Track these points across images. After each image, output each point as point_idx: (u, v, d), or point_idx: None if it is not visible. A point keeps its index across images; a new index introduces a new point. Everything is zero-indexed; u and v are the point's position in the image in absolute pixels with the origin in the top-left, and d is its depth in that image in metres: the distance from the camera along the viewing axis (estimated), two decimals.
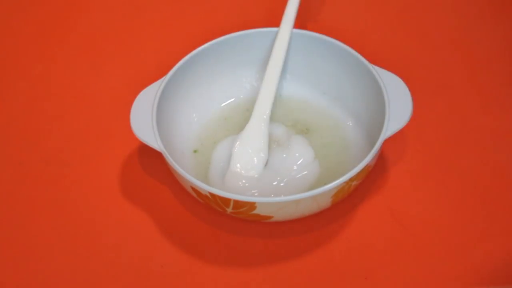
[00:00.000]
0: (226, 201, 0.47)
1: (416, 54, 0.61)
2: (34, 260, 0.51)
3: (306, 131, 0.55)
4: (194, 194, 0.49)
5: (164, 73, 0.53)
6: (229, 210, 0.48)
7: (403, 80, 0.52)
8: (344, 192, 0.49)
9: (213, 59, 0.56)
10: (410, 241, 0.49)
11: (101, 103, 0.60)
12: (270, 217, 0.48)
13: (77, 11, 0.67)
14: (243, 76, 0.58)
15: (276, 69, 0.54)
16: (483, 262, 0.48)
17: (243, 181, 0.51)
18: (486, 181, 0.52)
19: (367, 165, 0.48)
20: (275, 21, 0.56)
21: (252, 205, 0.47)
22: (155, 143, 0.49)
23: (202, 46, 0.55)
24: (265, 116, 0.53)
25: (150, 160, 0.55)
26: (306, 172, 0.52)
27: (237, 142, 0.53)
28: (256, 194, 0.51)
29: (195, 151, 0.55)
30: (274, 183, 0.51)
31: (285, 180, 0.52)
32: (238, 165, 0.52)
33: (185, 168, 0.49)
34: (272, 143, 0.53)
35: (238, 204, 0.47)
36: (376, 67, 0.53)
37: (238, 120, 0.56)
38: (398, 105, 0.50)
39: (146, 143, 0.49)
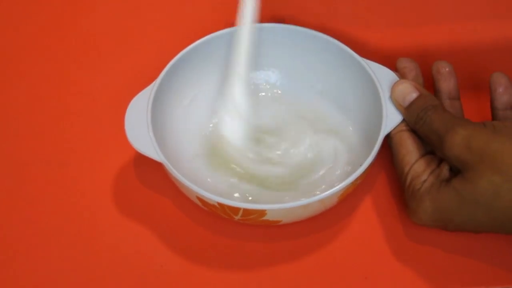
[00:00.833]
0: (235, 210, 0.47)
1: (412, 48, 0.61)
2: (33, 260, 0.50)
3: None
4: (199, 203, 0.49)
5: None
6: (237, 217, 0.48)
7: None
8: (349, 191, 0.49)
9: (202, 59, 0.55)
10: (410, 241, 0.50)
11: (102, 103, 0.58)
12: (278, 221, 0.48)
13: (77, 11, 0.65)
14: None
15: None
16: (483, 262, 0.49)
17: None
18: None
19: (372, 162, 0.48)
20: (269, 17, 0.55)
21: (262, 212, 0.47)
22: (156, 155, 0.48)
23: (188, 47, 0.54)
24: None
25: (151, 161, 0.53)
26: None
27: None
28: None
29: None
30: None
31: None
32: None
33: (184, 174, 0.48)
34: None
35: (247, 212, 0.47)
36: (369, 61, 0.53)
37: None
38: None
39: (147, 155, 0.48)
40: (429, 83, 0.53)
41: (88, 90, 0.60)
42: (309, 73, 0.56)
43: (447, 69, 0.52)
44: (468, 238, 0.49)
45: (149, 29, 0.64)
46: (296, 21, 0.55)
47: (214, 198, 0.46)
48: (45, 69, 0.61)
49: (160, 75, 0.52)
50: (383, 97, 0.51)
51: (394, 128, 0.50)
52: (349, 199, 0.51)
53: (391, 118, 0.50)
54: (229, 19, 0.54)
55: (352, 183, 0.47)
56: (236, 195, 0.52)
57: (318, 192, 0.50)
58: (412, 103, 0.49)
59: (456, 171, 0.46)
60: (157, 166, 0.49)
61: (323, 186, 0.51)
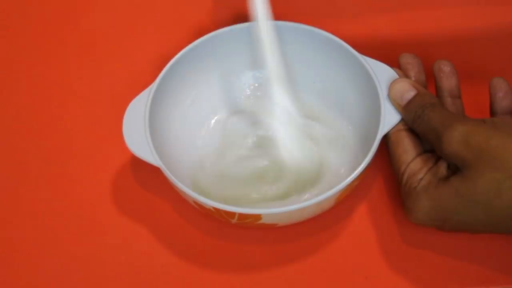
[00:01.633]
0: (230, 214, 0.47)
1: (409, 45, 0.60)
2: (33, 260, 0.51)
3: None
4: (197, 207, 0.49)
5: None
6: (234, 221, 0.48)
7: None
8: (348, 192, 0.49)
9: (199, 59, 0.55)
10: (410, 241, 0.50)
11: (101, 103, 0.59)
12: (275, 225, 0.48)
13: (77, 12, 0.66)
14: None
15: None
16: (483, 262, 0.48)
17: None
18: None
19: (369, 163, 0.48)
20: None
21: (257, 217, 0.47)
22: (153, 160, 0.48)
23: (185, 48, 0.54)
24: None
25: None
26: None
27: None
28: None
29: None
30: None
31: None
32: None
33: (182, 176, 0.48)
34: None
35: (243, 216, 0.47)
36: (367, 58, 0.52)
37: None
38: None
39: (144, 160, 0.49)
40: (429, 81, 0.52)
41: (88, 90, 0.60)
42: (306, 71, 0.56)
43: (448, 68, 0.51)
44: (467, 239, 0.48)
45: (149, 28, 0.64)
46: (291, 17, 0.54)
47: (209, 202, 0.46)
48: (45, 69, 0.61)
49: (157, 78, 0.52)
50: (382, 96, 0.50)
51: (392, 128, 0.49)
52: (348, 200, 0.51)
53: (389, 118, 0.49)
54: (225, 20, 0.54)
55: (350, 185, 0.47)
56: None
57: (307, 196, 0.51)
58: (410, 102, 0.48)
59: (454, 169, 0.46)
60: (156, 168, 0.49)
61: (320, 188, 0.51)
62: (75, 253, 0.51)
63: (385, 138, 0.50)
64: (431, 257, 0.49)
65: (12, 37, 0.64)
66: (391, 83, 0.50)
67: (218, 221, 0.50)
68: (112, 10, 0.65)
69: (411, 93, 0.49)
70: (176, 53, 0.53)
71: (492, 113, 0.50)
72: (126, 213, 0.52)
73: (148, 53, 0.61)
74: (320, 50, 0.54)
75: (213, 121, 0.56)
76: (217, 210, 0.47)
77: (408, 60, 0.52)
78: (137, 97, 0.51)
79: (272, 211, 0.46)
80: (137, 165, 0.54)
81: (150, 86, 0.52)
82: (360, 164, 0.47)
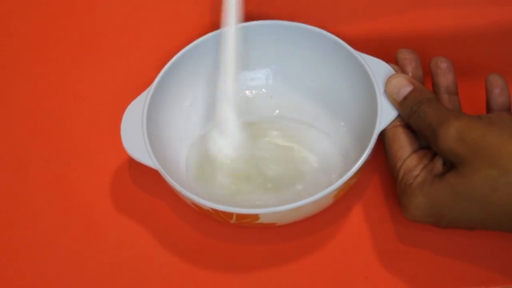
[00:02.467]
0: (228, 214, 0.47)
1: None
2: (33, 259, 0.51)
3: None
4: (195, 208, 0.49)
5: None
6: (233, 221, 0.48)
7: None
8: (345, 190, 0.49)
9: (197, 61, 0.55)
10: (410, 240, 0.49)
11: (102, 103, 0.59)
12: (274, 224, 0.49)
13: (77, 12, 0.66)
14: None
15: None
16: (483, 262, 0.48)
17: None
18: None
19: (366, 160, 0.47)
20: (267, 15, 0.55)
21: (255, 216, 0.47)
22: (151, 163, 0.49)
23: (182, 51, 0.54)
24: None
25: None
26: None
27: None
28: None
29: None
30: None
31: None
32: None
33: (180, 178, 0.48)
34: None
35: (240, 216, 0.47)
36: (363, 54, 0.52)
37: None
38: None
39: (142, 162, 0.49)
40: (426, 78, 0.52)
41: (87, 91, 0.60)
42: (300, 69, 0.56)
43: (445, 65, 0.51)
44: (466, 238, 0.48)
45: (149, 29, 0.64)
46: (285, 16, 0.54)
47: (207, 204, 0.47)
48: (45, 69, 0.62)
49: (155, 80, 0.52)
50: (378, 92, 0.50)
51: (389, 124, 0.49)
52: (346, 198, 0.51)
53: (386, 114, 0.49)
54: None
55: (347, 182, 0.47)
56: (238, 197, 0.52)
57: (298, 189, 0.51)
58: (406, 97, 0.48)
59: (450, 166, 0.45)
60: (155, 170, 0.49)
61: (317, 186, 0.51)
62: (73, 253, 0.51)
63: (382, 135, 0.49)
64: (431, 257, 0.49)
65: (12, 37, 0.64)
66: (388, 79, 0.50)
67: (217, 222, 0.50)
68: (112, 11, 0.66)
69: (407, 89, 0.48)
70: (177, 51, 0.53)
71: (488, 109, 0.50)
72: (125, 214, 0.53)
73: (149, 53, 0.61)
74: (313, 47, 0.54)
75: (211, 121, 0.56)
76: (216, 211, 0.47)
77: (405, 55, 0.52)
78: (135, 101, 0.52)
79: (270, 210, 0.46)
80: (137, 166, 0.54)
81: (147, 89, 0.52)
82: (357, 160, 0.47)
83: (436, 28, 0.60)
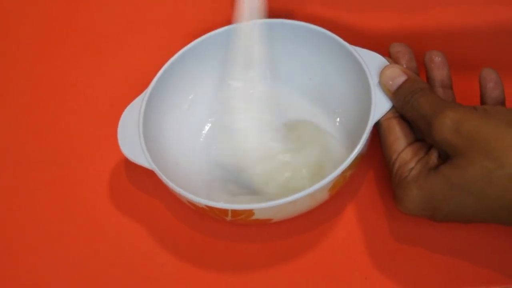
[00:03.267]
0: (223, 211, 0.47)
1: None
2: (33, 259, 0.52)
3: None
4: (192, 207, 0.49)
5: None
6: (228, 218, 0.48)
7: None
8: (341, 183, 0.48)
9: (194, 63, 0.55)
10: (406, 237, 0.49)
11: (101, 104, 0.60)
12: (270, 220, 0.48)
13: (77, 13, 0.67)
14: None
15: None
16: (483, 262, 0.47)
17: None
18: None
19: (360, 153, 0.47)
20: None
21: (250, 212, 0.46)
22: (147, 164, 0.49)
23: (179, 52, 0.54)
24: None
25: None
26: None
27: None
28: None
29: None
30: None
31: None
32: None
33: (177, 176, 0.48)
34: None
35: (236, 213, 0.47)
36: (357, 47, 0.51)
37: None
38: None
39: (137, 163, 0.49)
40: (421, 74, 0.51)
41: (87, 91, 0.61)
42: (295, 65, 0.56)
43: (439, 59, 0.50)
44: (469, 237, 0.48)
45: (149, 28, 0.65)
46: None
47: (202, 201, 0.46)
48: (44, 69, 0.63)
49: (151, 83, 0.52)
50: (372, 84, 0.49)
51: (384, 115, 0.48)
52: (341, 195, 0.50)
53: (380, 105, 0.49)
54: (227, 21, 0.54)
55: (342, 175, 0.46)
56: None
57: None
58: (399, 87, 0.48)
59: (445, 158, 0.45)
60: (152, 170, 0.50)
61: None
62: (70, 252, 0.52)
63: (377, 127, 0.49)
64: (431, 257, 0.48)
65: (12, 37, 0.65)
66: (382, 70, 0.49)
67: (214, 220, 0.50)
68: (112, 12, 0.67)
69: (401, 78, 0.48)
70: (176, 51, 0.54)
71: (483, 103, 0.49)
72: (122, 214, 0.53)
73: (148, 55, 0.62)
74: (306, 42, 0.54)
75: (210, 122, 0.56)
76: (211, 208, 0.47)
77: (398, 48, 0.51)
78: (131, 104, 0.52)
79: (264, 205, 0.46)
80: (134, 166, 0.54)
81: (144, 92, 0.52)
82: (351, 152, 0.47)
83: (430, 24, 0.60)
